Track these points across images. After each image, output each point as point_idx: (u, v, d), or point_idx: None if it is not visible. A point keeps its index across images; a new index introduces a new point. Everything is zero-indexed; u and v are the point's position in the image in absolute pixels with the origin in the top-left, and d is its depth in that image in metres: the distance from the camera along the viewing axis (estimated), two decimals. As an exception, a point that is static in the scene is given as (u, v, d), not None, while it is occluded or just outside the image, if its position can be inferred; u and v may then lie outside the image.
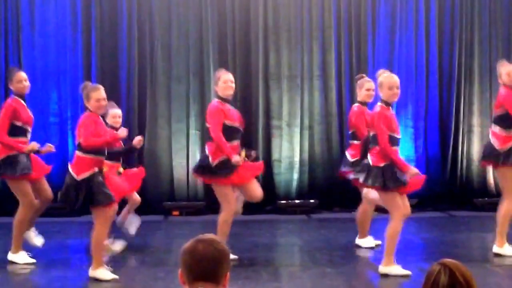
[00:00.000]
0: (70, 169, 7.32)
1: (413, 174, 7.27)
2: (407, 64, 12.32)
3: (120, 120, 9.07)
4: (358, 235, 8.84)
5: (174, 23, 12.15)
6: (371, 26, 12.33)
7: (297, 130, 12.18)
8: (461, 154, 12.27)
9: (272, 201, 11.73)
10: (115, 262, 7.80)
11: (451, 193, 12.23)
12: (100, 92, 7.48)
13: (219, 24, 12.16)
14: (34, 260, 7.94)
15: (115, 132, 7.92)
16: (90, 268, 7.22)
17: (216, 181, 8.04)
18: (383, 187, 7.19)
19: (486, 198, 11.72)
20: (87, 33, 12.07)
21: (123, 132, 7.81)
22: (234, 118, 8.13)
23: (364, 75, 9.24)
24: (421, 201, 11.72)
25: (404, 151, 12.07)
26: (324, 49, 12.31)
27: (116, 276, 7.17)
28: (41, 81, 11.92)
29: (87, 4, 12.04)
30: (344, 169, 8.88)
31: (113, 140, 7.58)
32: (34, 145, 8.10)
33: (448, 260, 3.08)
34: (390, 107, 7.53)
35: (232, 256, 8.00)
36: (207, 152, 8.10)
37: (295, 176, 12.11)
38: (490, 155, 8.19)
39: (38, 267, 7.94)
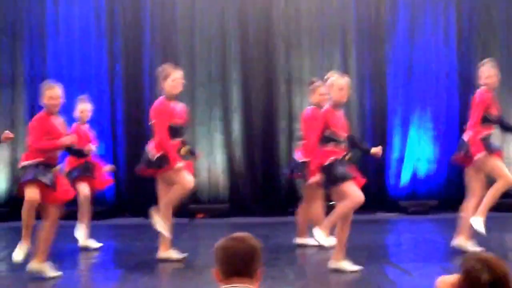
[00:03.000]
0: None
1: None
2: (426, 67, 12.41)
3: (89, 114, 9.45)
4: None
5: (197, 29, 12.31)
6: (391, 30, 12.44)
7: (319, 133, 12.29)
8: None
9: (294, 203, 11.85)
10: (144, 264, 7.98)
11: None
12: (55, 90, 7.76)
13: (241, 30, 12.31)
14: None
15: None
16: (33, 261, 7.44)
17: (159, 173, 8.08)
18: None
19: (504, 199, 11.75)
20: (111, 39, 12.26)
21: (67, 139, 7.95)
22: (179, 116, 8.14)
23: (315, 80, 9.28)
24: (441, 202, 11.84)
25: (424, 154, 12.21)
26: (345, 53, 12.44)
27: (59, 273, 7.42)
28: (66, 88, 11.92)
29: (111, 11, 12.23)
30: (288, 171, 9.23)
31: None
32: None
33: (486, 257, 3.08)
34: (338, 108, 7.67)
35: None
36: (147, 148, 8.10)
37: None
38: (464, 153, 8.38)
39: (66, 269, 8.09)
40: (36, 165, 7.46)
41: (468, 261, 3.08)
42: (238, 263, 3.16)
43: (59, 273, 7.46)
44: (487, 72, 8.32)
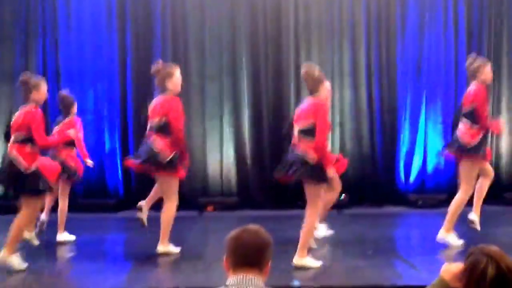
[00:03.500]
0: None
1: None
2: (436, 61, 12.42)
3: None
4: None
5: (207, 23, 12.37)
6: (400, 24, 12.46)
7: (328, 126, 12.35)
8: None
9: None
10: (154, 257, 8.06)
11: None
12: (44, 86, 7.77)
13: (251, 24, 12.36)
14: None
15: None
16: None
17: (169, 174, 8.09)
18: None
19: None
20: (122, 33, 12.34)
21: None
22: None
23: None
24: (451, 196, 11.84)
25: (433, 148, 12.23)
26: (354, 47, 12.46)
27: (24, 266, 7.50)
28: (78, 80, 12.21)
29: (122, 6, 12.30)
30: None
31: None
32: None
33: (491, 250, 3.10)
34: None
35: None
36: (155, 146, 8.02)
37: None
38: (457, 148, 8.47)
39: (78, 261, 8.19)
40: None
41: (473, 254, 3.11)
42: (249, 254, 3.24)
43: (25, 265, 7.53)
44: (487, 71, 8.38)
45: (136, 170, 8.57)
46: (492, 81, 8.68)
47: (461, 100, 8.72)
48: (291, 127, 7.69)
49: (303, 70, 7.66)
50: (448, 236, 8.44)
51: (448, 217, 8.51)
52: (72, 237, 9.19)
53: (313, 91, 7.44)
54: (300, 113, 7.44)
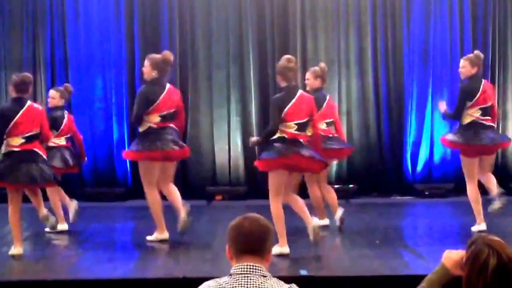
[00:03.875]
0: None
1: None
2: (442, 49, 12.41)
3: (53, 100, 9.35)
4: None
5: (214, 11, 12.38)
6: (406, 12, 12.45)
7: (335, 116, 12.37)
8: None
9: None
10: (163, 246, 8.11)
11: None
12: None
13: (257, 11, 12.37)
14: None
15: None
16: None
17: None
18: None
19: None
20: (130, 21, 12.36)
21: None
22: None
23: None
24: (458, 186, 11.87)
25: (439, 135, 12.22)
26: (361, 34, 12.47)
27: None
28: (86, 68, 12.25)
29: (129, -7, 12.33)
30: None
31: None
32: None
33: (493, 240, 3.11)
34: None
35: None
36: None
37: (334, 161, 12.30)
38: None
39: (87, 249, 8.24)
40: None
41: (475, 244, 3.12)
42: (250, 241, 3.26)
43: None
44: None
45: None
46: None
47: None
48: None
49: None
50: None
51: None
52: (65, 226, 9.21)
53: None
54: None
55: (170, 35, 12.34)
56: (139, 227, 9.60)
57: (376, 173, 12.35)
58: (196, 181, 12.22)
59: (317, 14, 12.45)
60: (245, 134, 12.28)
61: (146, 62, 8.29)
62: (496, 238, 3.13)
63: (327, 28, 12.48)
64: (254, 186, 12.07)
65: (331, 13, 12.45)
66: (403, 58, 12.47)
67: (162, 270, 7.11)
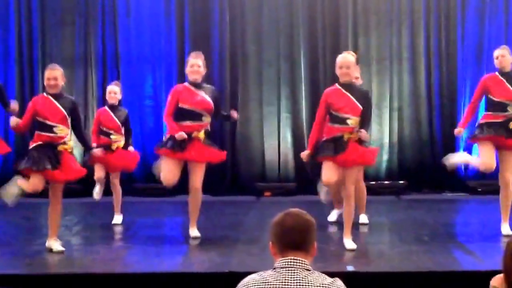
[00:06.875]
0: None
1: None
2: (497, 45, 12.20)
3: (116, 96, 9.40)
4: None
5: (265, 8, 12.39)
6: (461, 8, 12.30)
7: (386, 111, 12.29)
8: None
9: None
10: (210, 240, 8.12)
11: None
12: (49, 71, 7.49)
13: (308, 8, 12.35)
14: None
15: None
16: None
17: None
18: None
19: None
20: (180, 18, 12.42)
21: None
22: (192, 101, 8.22)
23: None
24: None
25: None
26: (413, 31, 12.37)
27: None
28: (137, 66, 12.35)
29: (179, -10, 12.39)
30: None
31: None
32: None
33: None
34: (341, 86, 7.70)
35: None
36: None
37: (385, 157, 12.24)
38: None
39: (135, 244, 8.30)
40: None
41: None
42: (294, 237, 3.24)
43: (62, 248, 7.61)
44: None
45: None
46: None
47: None
48: None
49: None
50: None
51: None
52: None
53: None
54: None
55: (220, 33, 12.38)
56: (186, 222, 9.61)
57: (427, 169, 12.22)
58: (246, 177, 12.23)
59: (369, 13, 12.39)
60: (295, 130, 12.27)
61: (202, 62, 8.37)
62: None
63: (379, 27, 12.42)
64: (303, 183, 12.03)
65: (383, 11, 12.39)
66: (457, 56, 12.33)
67: (208, 264, 7.12)
